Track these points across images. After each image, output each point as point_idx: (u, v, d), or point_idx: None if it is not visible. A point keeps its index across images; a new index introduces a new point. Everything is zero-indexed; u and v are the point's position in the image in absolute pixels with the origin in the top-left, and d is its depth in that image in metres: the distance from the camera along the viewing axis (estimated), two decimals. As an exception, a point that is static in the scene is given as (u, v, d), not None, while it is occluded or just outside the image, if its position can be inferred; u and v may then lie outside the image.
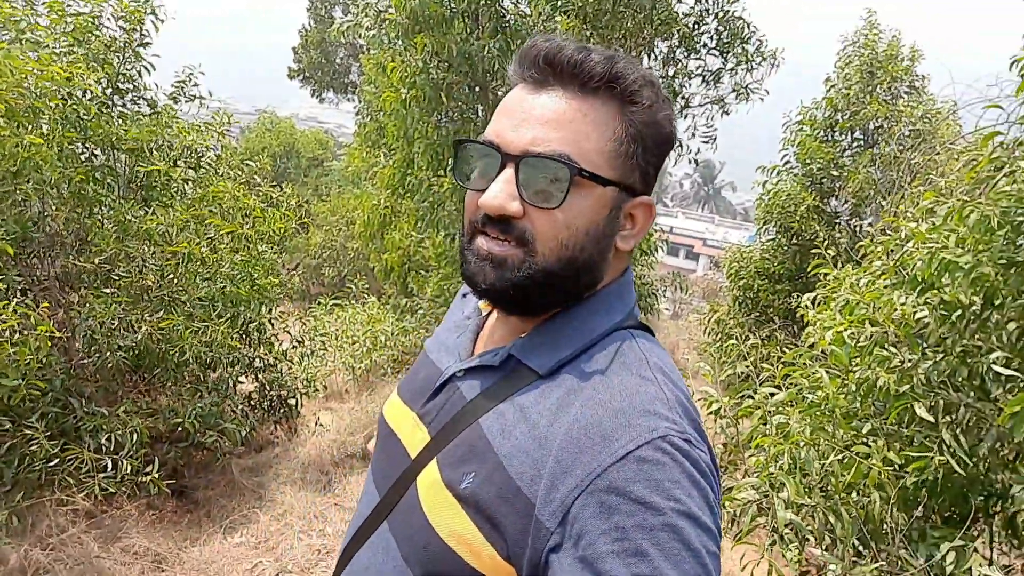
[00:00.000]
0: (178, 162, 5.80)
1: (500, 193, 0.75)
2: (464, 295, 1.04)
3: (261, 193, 6.74)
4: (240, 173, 6.79)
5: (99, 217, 4.96)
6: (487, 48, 6.50)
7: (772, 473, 2.90)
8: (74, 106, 4.67)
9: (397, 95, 6.96)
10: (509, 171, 0.75)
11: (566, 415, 0.71)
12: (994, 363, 2.75)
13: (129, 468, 4.49)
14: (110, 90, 5.47)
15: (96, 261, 4.97)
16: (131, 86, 5.64)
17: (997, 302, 2.86)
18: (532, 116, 0.76)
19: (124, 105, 5.55)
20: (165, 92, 5.98)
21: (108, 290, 4.95)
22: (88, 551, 4.17)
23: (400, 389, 0.99)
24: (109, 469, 4.44)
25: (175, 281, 5.30)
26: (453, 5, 6.60)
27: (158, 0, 5.63)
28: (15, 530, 4.03)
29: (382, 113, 8.38)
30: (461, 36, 6.63)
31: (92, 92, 5.00)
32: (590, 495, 0.64)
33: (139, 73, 5.66)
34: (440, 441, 0.81)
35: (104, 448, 4.49)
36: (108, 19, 5.36)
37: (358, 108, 15.64)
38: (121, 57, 5.46)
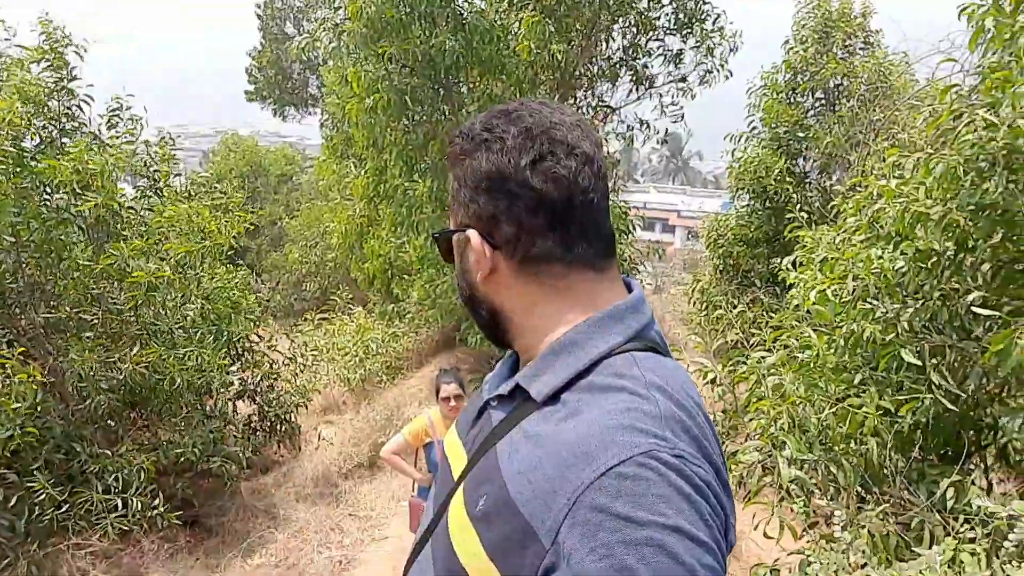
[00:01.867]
0: (133, 188, 5.80)
1: None
2: None
3: (220, 207, 6.72)
4: (208, 196, 6.79)
5: (66, 263, 4.93)
6: (447, 48, 6.53)
7: (773, 434, 3.00)
8: (16, 149, 4.65)
9: (362, 104, 6.97)
10: None
11: (560, 436, 0.73)
12: (972, 304, 2.86)
13: (139, 505, 4.51)
14: (54, 131, 5.46)
15: (68, 308, 4.96)
16: (74, 124, 5.62)
17: (969, 245, 2.98)
18: None
19: (72, 144, 5.50)
20: (100, 122, 5.91)
21: (87, 334, 4.95)
22: (111, 591, 4.19)
23: (458, 419, 1.05)
24: (120, 508, 4.45)
25: (148, 313, 5.29)
26: (410, 9, 6.61)
27: (81, 30, 5.58)
28: (36, 579, 4.05)
29: (348, 124, 8.38)
30: (420, 39, 6.65)
31: (36, 136, 5.03)
32: (576, 513, 0.66)
33: (79, 108, 5.65)
34: (469, 465, 0.87)
35: (112, 488, 4.51)
36: (34, 65, 5.33)
37: (322, 120, 15.56)
38: (58, 99, 5.45)
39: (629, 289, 0.91)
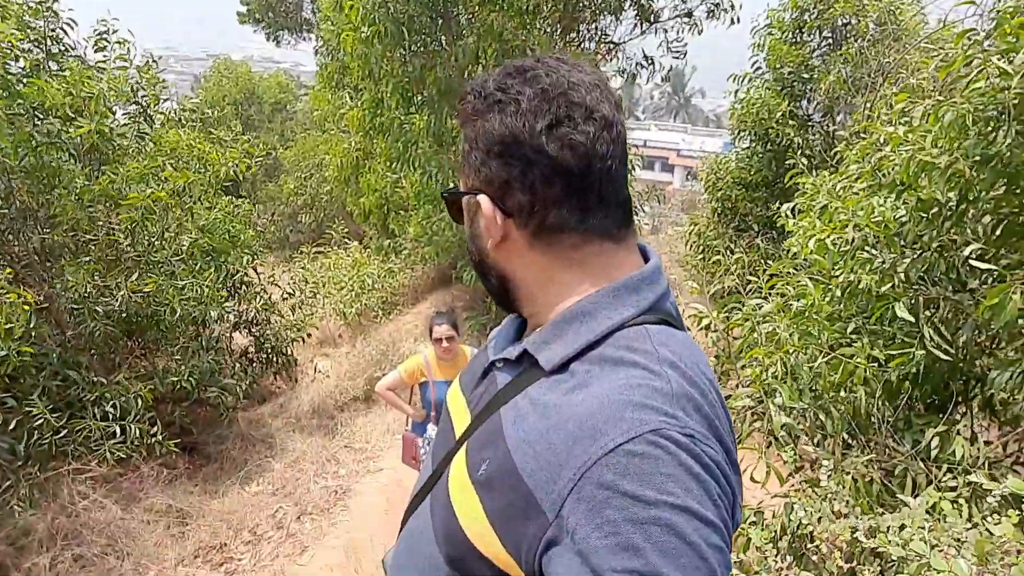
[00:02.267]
0: (122, 115, 5.68)
1: None
2: None
3: (215, 138, 6.61)
4: (201, 123, 6.67)
5: (61, 187, 4.86)
6: (447, -26, 6.30)
7: (765, 381, 3.03)
8: (2, 72, 4.52)
9: (358, 33, 6.75)
10: None
11: (568, 409, 0.72)
12: (970, 256, 2.85)
13: (137, 432, 4.59)
14: (41, 55, 5.30)
15: (63, 233, 4.91)
16: (60, 48, 5.45)
17: (972, 197, 2.95)
18: None
19: (60, 69, 5.35)
20: (86, 44, 5.75)
21: (84, 259, 4.92)
22: (112, 514, 4.30)
23: (462, 374, 1.04)
24: (118, 435, 4.53)
25: (144, 240, 5.26)
26: (407, -68, 6.33)
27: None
28: (38, 501, 4.15)
29: (343, 53, 8.14)
30: (418, -36, 6.40)
31: (22, 58, 4.87)
32: (582, 489, 0.65)
33: (63, 31, 5.47)
34: (473, 426, 0.85)
35: (110, 415, 4.57)
36: None
37: (317, 48, 15.11)
38: (44, 22, 5.27)
39: (645, 258, 0.88)
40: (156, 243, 5.33)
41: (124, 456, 4.56)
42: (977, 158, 2.78)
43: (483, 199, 0.83)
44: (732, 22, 8.85)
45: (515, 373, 0.85)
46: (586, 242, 0.82)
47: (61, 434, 4.35)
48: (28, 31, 5.09)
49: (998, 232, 3.00)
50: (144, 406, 4.73)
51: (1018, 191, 2.81)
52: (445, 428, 0.96)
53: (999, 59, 2.65)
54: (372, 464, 5.49)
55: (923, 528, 2.07)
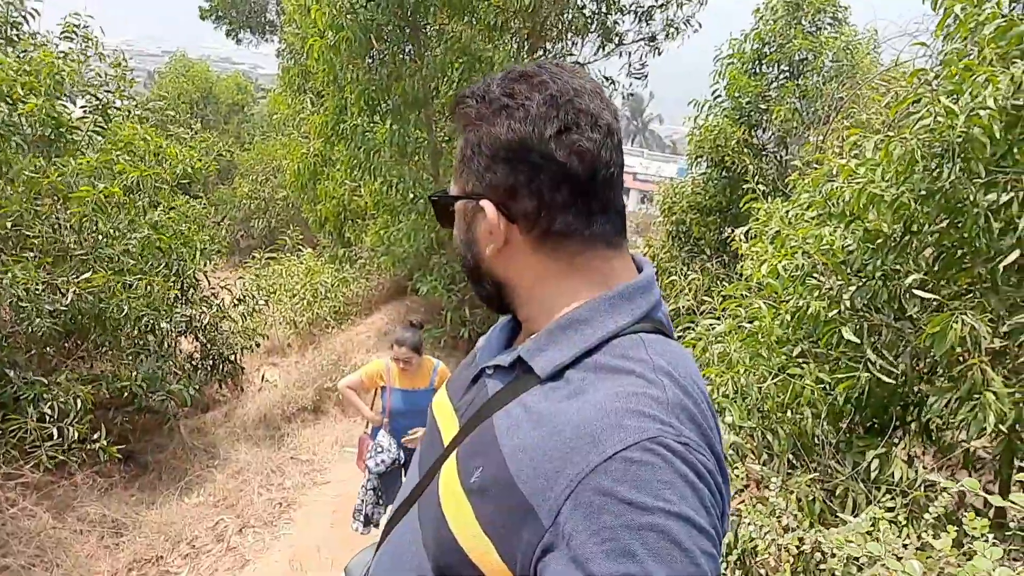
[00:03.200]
0: (72, 102, 5.53)
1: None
2: None
3: (173, 135, 6.49)
4: (151, 114, 6.53)
5: (6, 178, 4.68)
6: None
7: (716, 399, 3.09)
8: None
9: (324, 40, 6.70)
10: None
11: (564, 416, 0.72)
12: (912, 286, 2.97)
13: (76, 435, 4.40)
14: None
15: (8, 225, 4.71)
16: (16, 34, 5.31)
17: (915, 229, 3.08)
18: None
19: (13, 53, 5.20)
20: (49, 35, 5.67)
21: (29, 254, 4.73)
22: (42, 523, 4.11)
23: (449, 382, 1.03)
24: (55, 438, 4.34)
25: (95, 236, 5.08)
26: (377, -59, 6.33)
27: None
28: (-39, 508, 3.94)
29: (306, 56, 8.07)
30: (387, -28, 6.39)
31: None
32: (579, 495, 0.65)
33: (24, 19, 5.34)
34: (462, 434, 0.85)
35: (48, 417, 4.38)
36: None
37: (279, 50, 14.92)
38: (3, 6, 5.12)
39: (639, 267, 0.89)
40: (105, 240, 5.15)
41: (59, 462, 4.36)
42: (922, 192, 2.91)
43: (487, 204, 0.82)
44: (694, 31, 9.09)
45: (507, 380, 0.85)
46: (587, 248, 0.83)
47: (-7, 434, 4.15)
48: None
49: (939, 264, 3.14)
50: (84, 408, 4.54)
51: (959, 225, 2.95)
52: (432, 436, 0.95)
53: (946, 99, 2.79)
54: (319, 476, 5.38)
55: (868, 539, 2.13)
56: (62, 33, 5.66)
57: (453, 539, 0.77)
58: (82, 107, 5.84)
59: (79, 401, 4.47)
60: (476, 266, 0.88)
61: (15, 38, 5.34)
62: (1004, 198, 2.75)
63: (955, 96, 2.78)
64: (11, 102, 4.73)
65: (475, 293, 0.93)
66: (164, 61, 20.41)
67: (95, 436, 4.51)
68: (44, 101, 4.76)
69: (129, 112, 6.18)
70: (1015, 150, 2.77)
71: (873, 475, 2.95)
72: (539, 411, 0.76)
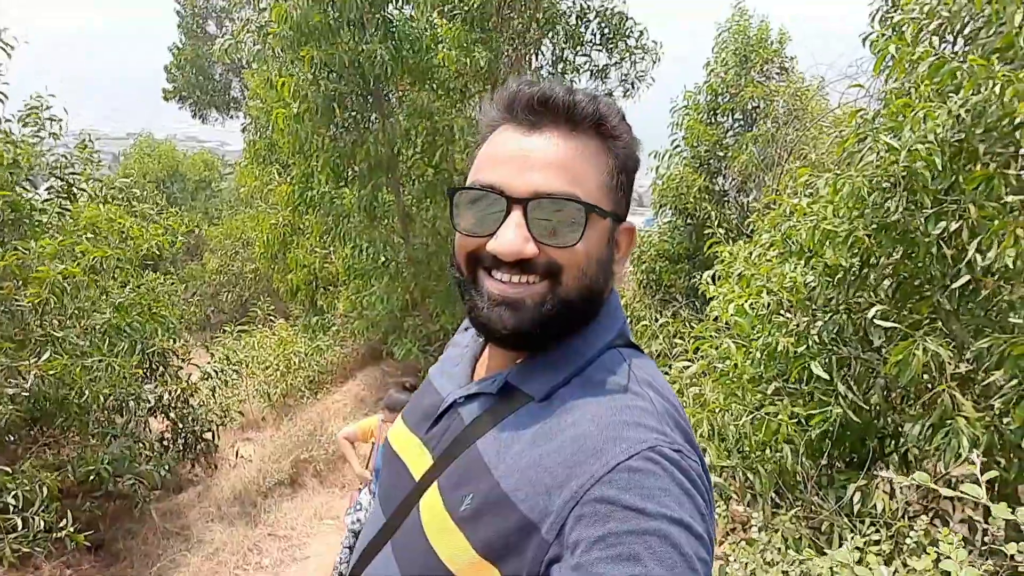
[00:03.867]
0: (35, 186, 5.52)
1: (515, 238, 0.76)
2: (466, 327, 1.06)
3: (138, 213, 6.46)
4: (117, 194, 6.51)
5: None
6: (377, 56, 6.46)
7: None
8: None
9: (288, 110, 6.81)
10: (517, 214, 0.77)
11: (559, 433, 0.74)
12: (874, 317, 3.03)
13: (42, 525, 4.22)
14: None
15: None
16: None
17: (872, 262, 3.17)
18: (533, 159, 0.78)
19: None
20: (12, 118, 5.67)
21: (-12, 339, 4.61)
22: (5, 621, 3.89)
23: (405, 415, 1.01)
24: (20, 529, 4.15)
25: (53, 318, 4.99)
26: (338, 14, 6.51)
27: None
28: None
29: (271, 129, 8.17)
30: (349, 45, 6.55)
31: None
32: (584, 506, 0.67)
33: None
34: (441, 464, 0.84)
35: (12, 507, 4.20)
36: None
37: (244, 125, 15.09)
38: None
39: None
40: (66, 321, 5.06)
41: (24, 554, 4.16)
42: (874, 226, 3.00)
43: (632, 228, 0.88)
44: (648, 87, 9.40)
45: (488, 405, 0.85)
46: None
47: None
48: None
49: (898, 294, 3.21)
50: (50, 496, 4.36)
51: (913, 255, 3.03)
52: (396, 472, 0.93)
53: (887, 135, 2.91)
54: (298, 551, 5.20)
55: (855, 564, 2.11)
56: (24, 117, 5.66)
57: (446, 571, 0.76)
58: (47, 189, 5.83)
59: (45, 489, 4.31)
60: (603, 288, 0.85)
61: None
62: (953, 226, 2.85)
63: (896, 133, 2.90)
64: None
65: (553, 324, 0.81)
66: (129, 143, 20.49)
67: (61, 524, 4.32)
68: (6, 194, 4.76)
69: (94, 194, 6.17)
70: (960, 179, 2.88)
71: (856, 508, 2.94)
72: (533, 430, 0.77)
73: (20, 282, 4.79)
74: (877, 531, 2.69)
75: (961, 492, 1.83)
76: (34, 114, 5.72)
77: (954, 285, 2.84)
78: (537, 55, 9.22)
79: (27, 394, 4.54)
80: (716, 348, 3.51)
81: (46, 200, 5.56)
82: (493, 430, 0.81)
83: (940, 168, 2.75)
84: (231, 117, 22.21)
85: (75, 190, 5.85)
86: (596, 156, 0.81)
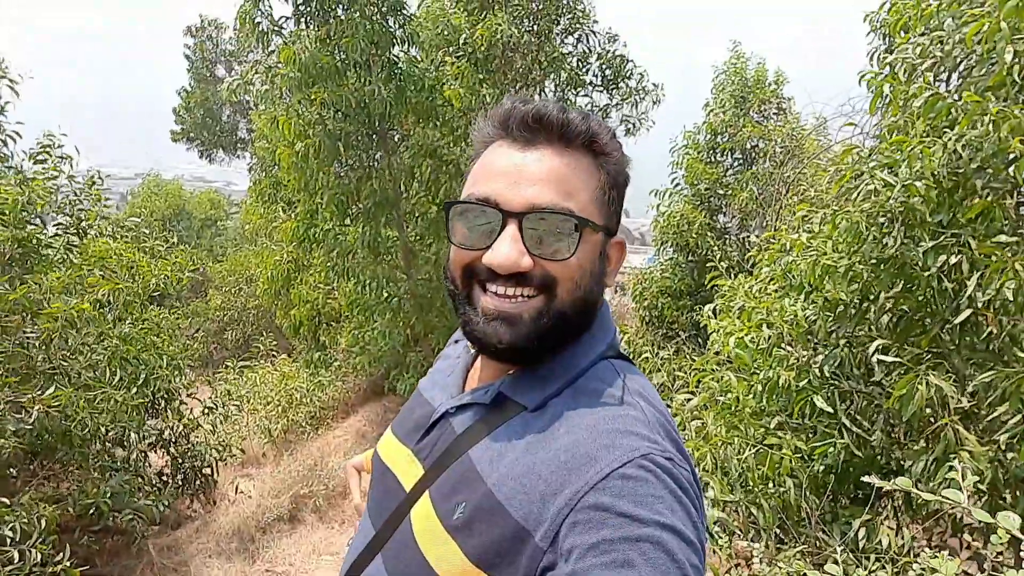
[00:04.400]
0: (44, 224, 5.59)
1: (511, 251, 0.78)
2: (456, 340, 1.08)
3: (147, 249, 6.53)
4: (126, 232, 6.59)
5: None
6: (381, 95, 6.61)
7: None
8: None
9: (293, 149, 6.93)
10: (513, 228, 0.78)
11: (553, 441, 0.75)
12: (876, 351, 3.04)
13: (39, 557, 4.16)
14: None
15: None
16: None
17: (872, 296, 3.18)
18: (528, 173, 0.80)
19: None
20: (26, 156, 5.80)
21: (-3, 373, 4.62)
22: (-4, 660, 3.82)
23: (394, 427, 1.02)
24: (15, 562, 4.10)
25: (61, 352, 5.00)
26: (344, 56, 6.68)
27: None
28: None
29: (277, 168, 8.30)
30: (355, 85, 6.71)
31: None
32: (578, 513, 0.68)
33: (3, 143, 5.47)
34: (432, 474, 0.84)
35: (9, 539, 4.15)
36: None
37: (251, 165, 15.32)
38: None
39: None
40: (71, 355, 5.07)
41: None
42: (873, 261, 3.03)
43: (622, 241, 0.91)
44: (648, 129, 9.55)
45: (480, 415, 0.86)
46: None
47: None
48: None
49: (899, 328, 3.22)
50: (48, 529, 4.31)
51: (912, 289, 3.05)
52: (385, 483, 0.93)
53: (883, 171, 2.96)
54: (296, 589, 5.12)
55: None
56: (36, 155, 5.77)
57: None
58: (56, 224, 5.91)
59: (43, 521, 4.26)
60: (596, 300, 0.87)
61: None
62: (953, 260, 2.88)
63: (892, 168, 2.95)
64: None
65: (551, 339, 0.83)
66: (137, 183, 20.79)
67: (57, 558, 4.27)
68: (12, 231, 4.83)
69: (102, 231, 6.25)
70: (957, 214, 2.92)
71: (861, 544, 2.91)
72: (526, 439, 0.78)
73: (28, 315, 4.83)
74: (883, 567, 2.65)
75: (942, 497, 1.82)
76: (45, 151, 5.84)
77: (956, 320, 2.85)
78: (540, 95, 9.40)
79: (30, 427, 4.54)
80: (718, 381, 3.51)
81: (54, 236, 5.63)
82: (486, 439, 0.82)
83: (937, 203, 2.79)
84: (238, 156, 22.54)
85: (84, 225, 5.92)
86: (588, 172, 0.83)
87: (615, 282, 0.91)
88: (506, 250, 0.78)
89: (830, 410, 3.10)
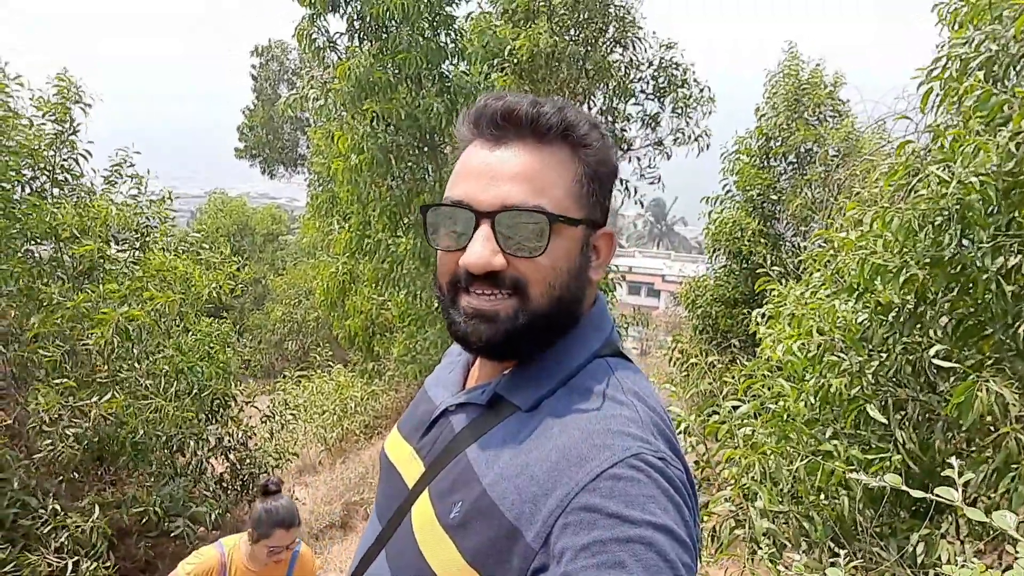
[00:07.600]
0: (117, 241, 5.88)
1: (483, 250, 0.78)
2: None
3: (203, 260, 6.78)
4: (188, 247, 6.87)
5: (48, 309, 4.93)
6: (433, 109, 6.73)
7: (745, 484, 2.98)
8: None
9: (347, 162, 7.11)
10: (485, 228, 0.78)
11: (546, 441, 0.75)
12: (935, 357, 2.91)
13: (91, 568, 4.31)
14: (47, 182, 5.57)
15: (40, 351, 4.90)
16: (67, 176, 5.74)
17: (928, 299, 3.05)
18: (498, 172, 0.79)
19: (62, 195, 5.63)
20: (102, 175, 6.11)
21: (56, 380, 4.87)
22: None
23: (400, 424, 1.03)
24: (70, 570, 4.26)
25: (118, 359, 5.23)
26: (397, 71, 6.84)
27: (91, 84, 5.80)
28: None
29: (333, 182, 8.53)
30: (406, 99, 6.85)
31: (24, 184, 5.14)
32: (569, 514, 0.67)
33: (76, 162, 5.78)
34: (431, 472, 0.85)
35: (65, 548, 4.33)
36: (33, 113, 5.50)
37: (309, 180, 15.78)
38: (56, 151, 5.57)
39: None
40: (131, 363, 5.31)
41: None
42: (927, 261, 2.91)
43: (610, 232, 0.89)
44: (700, 150, 9.40)
45: (476, 414, 0.87)
46: None
47: (6, 568, 4.10)
48: (38, 159, 5.37)
49: (958, 332, 3.08)
50: (99, 537, 4.47)
51: (971, 291, 2.91)
52: (391, 481, 0.95)
53: (937, 168, 2.84)
54: (347, 595, 5.19)
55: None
56: (107, 177, 6.10)
57: None
58: (123, 240, 6.22)
59: (95, 532, 4.42)
60: (576, 297, 0.86)
61: (67, 179, 5.77)
62: (1012, 261, 2.74)
63: (947, 165, 2.83)
64: (58, 241, 5.09)
65: (540, 324, 0.82)
66: (204, 201, 21.70)
67: (107, 565, 4.41)
68: (99, 245, 5.13)
69: (167, 247, 6.54)
70: (1017, 214, 2.78)
71: (920, 559, 2.78)
72: (520, 439, 0.78)
73: (90, 324, 5.08)
74: (941, 583, 2.52)
75: (936, 496, 1.72)
76: (117, 170, 6.16)
77: (1018, 325, 2.70)
78: (588, 106, 9.39)
79: (90, 433, 4.75)
80: (768, 388, 3.41)
81: (119, 250, 5.92)
82: (483, 437, 0.82)
83: (994, 201, 2.67)
84: (298, 172, 23.28)
85: (148, 240, 6.21)
86: (563, 165, 0.82)
87: (602, 275, 0.90)
88: (478, 250, 0.78)
89: (883, 420, 2.98)
